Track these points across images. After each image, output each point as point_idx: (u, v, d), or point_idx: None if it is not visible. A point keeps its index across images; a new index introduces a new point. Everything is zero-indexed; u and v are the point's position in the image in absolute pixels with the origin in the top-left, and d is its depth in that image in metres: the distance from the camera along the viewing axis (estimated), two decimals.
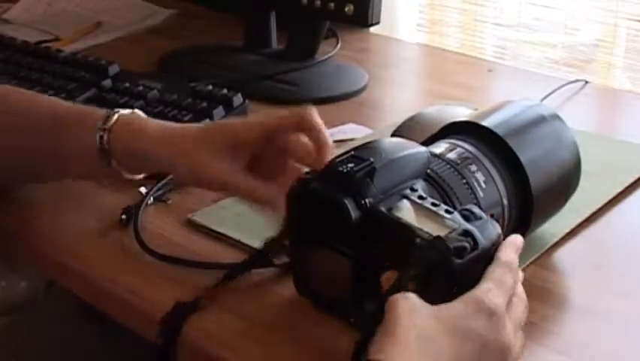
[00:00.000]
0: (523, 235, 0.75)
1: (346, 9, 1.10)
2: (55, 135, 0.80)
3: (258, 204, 0.73)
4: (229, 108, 1.00)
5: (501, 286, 0.60)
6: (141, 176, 0.82)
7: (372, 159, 0.65)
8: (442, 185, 0.69)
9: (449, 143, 0.74)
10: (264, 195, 0.73)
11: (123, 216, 0.83)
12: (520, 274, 0.64)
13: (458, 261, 0.59)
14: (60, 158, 0.81)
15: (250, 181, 0.74)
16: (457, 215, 0.62)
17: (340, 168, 0.64)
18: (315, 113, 0.74)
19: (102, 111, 0.80)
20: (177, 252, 0.78)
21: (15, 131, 0.82)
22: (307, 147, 0.73)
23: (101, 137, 0.77)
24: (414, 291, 0.58)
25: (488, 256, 0.61)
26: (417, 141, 0.72)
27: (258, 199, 0.73)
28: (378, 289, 0.63)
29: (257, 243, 0.73)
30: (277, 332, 0.69)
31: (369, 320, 0.58)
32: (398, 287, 0.58)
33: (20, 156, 0.82)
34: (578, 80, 1.17)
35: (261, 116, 0.78)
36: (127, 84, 1.05)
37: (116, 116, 0.78)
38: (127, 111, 0.80)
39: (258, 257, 0.73)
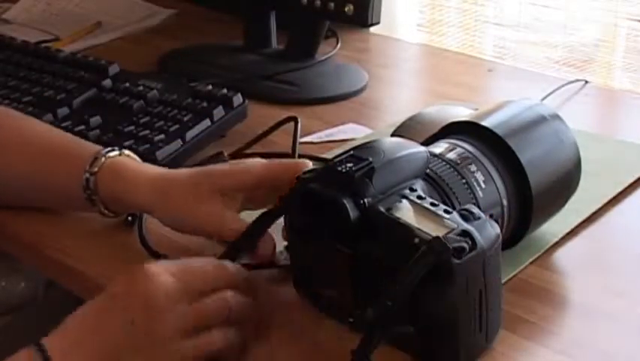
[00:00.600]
0: (523, 235, 0.76)
1: (346, 9, 1.10)
2: (44, 170, 0.81)
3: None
4: (229, 108, 1.00)
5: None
6: (124, 216, 0.82)
7: (371, 159, 0.65)
8: (442, 185, 0.69)
9: (449, 143, 0.74)
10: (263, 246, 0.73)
11: (129, 218, 0.83)
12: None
13: (457, 261, 0.59)
14: (47, 191, 0.82)
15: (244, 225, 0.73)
16: (455, 215, 0.62)
17: (339, 168, 0.64)
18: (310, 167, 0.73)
19: (91, 150, 0.80)
20: (177, 251, 0.78)
21: (10, 157, 0.83)
22: None
23: (87, 180, 0.78)
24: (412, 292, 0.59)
25: (486, 256, 0.61)
26: (417, 141, 0.72)
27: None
28: (378, 289, 0.63)
29: None
30: (277, 332, 0.69)
31: (369, 322, 0.59)
32: (398, 287, 0.59)
33: (14, 182, 0.83)
34: (578, 80, 1.17)
35: (253, 159, 0.77)
36: (127, 84, 1.05)
37: (103, 159, 0.78)
38: (115, 152, 0.79)
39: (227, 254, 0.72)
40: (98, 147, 0.80)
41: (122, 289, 0.63)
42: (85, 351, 0.61)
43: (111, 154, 0.79)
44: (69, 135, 0.87)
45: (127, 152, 0.81)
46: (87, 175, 0.78)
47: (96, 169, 0.78)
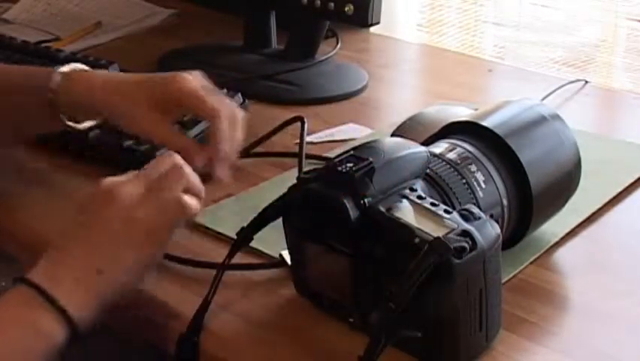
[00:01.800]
0: (523, 235, 0.76)
1: (346, 9, 1.10)
2: (8, 98, 0.85)
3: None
4: None
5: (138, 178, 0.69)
6: (87, 124, 0.86)
7: (371, 159, 0.65)
8: (442, 185, 0.69)
9: (449, 143, 0.74)
10: (181, 145, 0.77)
11: None
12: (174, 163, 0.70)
13: (457, 261, 0.59)
14: (14, 118, 0.86)
15: (173, 133, 0.80)
16: (456, 215, 0.62)
17: (340, 168, 0.64)
18: (240, 117, 0.79)
19: (47, 69, 0.84)
20: (177, 251, 0.78)
21: None
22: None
23: (50, 90, 0.81)
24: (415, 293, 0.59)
25: (487, 256, 0.61)
26: (417, 141, 0.72)
27: (175, 149, 0.76)
28: (378, 289, 0.63)
29: (255, 242, 0.72)
30: (277, 332, 0.69)
31: (374, 326, 0.58)
32: (401, 290, 0.59)
33: None
34: (578, 80, 1.17)
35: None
36: None
37: (60, 70, 0.83)
38: (68, 67, 0.84)
39: (234, 249, 0.72)
40: (50, 68, 0.85)
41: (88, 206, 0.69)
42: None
43: (64, 68, 0.83)
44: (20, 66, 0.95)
45: (79, 64, 0.86)
46: (49, 88, 0.81)
47: (56, 81, 0.82)
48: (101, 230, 0.67)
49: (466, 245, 0.59)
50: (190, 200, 0.70)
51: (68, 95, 0.82)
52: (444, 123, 0.77)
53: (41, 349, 0.64)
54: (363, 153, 0.66)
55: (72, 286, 0.65)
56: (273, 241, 0.74)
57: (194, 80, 0.80)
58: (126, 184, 0.68)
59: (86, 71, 0.85)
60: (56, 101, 0.82)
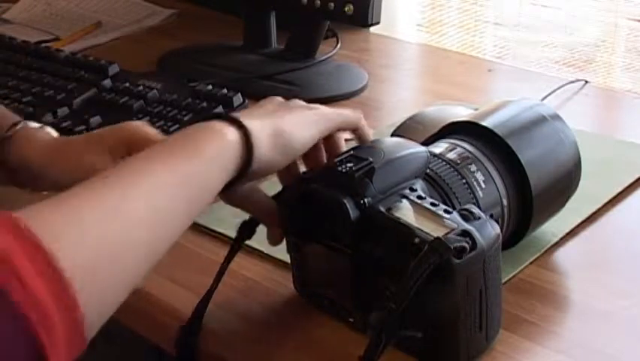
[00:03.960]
0: (523, 235, 0.76)
1: (346, 9, 1.10)
2: None
3: None
4: (229, 108, 1.00)
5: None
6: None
7: (371, 159, 0.65)
8: (442, 185, 0.69)
9: (449, 143, 0.74)
10: None
11: None
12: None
13: (457, 261, 0.59)
14: None
15: None
16: (456, 215, 0.62)
17: (340, 168, 0.64)
18: None
19: (13, 119, 0.79)
20: (177, 251, 0.78)
21: None
22: None
23: (1, 141, 0.77)
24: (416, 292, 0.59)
25: (487, 256, 0.61)
26: (417, 141, 0.72)
27: None
28: (378, 289, 0.63)
29: (254, 242, 0.72)
30: (277, 332, 0.69)
31: (375, 326, 0.59)
32: (402, 290, 0.59)
33: None
34: (578, 80, 1.17)
35: None
36: (127, 84, 1.05)
37: (20, 125, 0.77)
38: (35, 125, 0.78)
39: (234, 246, 0.72)
40: (19, 118, 0.80)
41: None
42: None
43: (31, 125, 0.78)
44: None
45: (48, 128, 0.80)
46: (1, 140, 0.77)
47: (11, 133, 0.77)
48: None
49: (466, 245, 0.59)
50: None
51: (15, 150, 0.76)
52: (444, 123, 0.77)
53: (228, 157, 0.63)
54: (362, 153, 0.66)
55: (254, 119, 0.65)
56: None
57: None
58: None
59: (46, 131, 0.79)
60: (7, 155, 0.76)
